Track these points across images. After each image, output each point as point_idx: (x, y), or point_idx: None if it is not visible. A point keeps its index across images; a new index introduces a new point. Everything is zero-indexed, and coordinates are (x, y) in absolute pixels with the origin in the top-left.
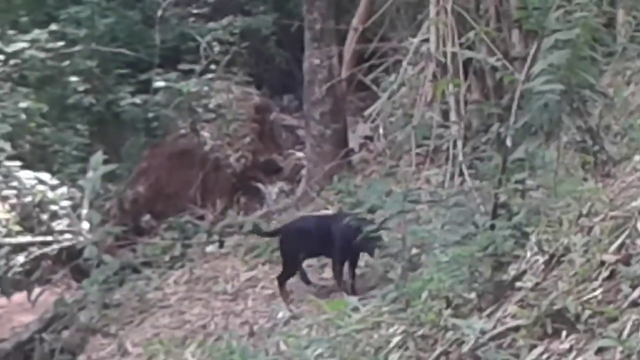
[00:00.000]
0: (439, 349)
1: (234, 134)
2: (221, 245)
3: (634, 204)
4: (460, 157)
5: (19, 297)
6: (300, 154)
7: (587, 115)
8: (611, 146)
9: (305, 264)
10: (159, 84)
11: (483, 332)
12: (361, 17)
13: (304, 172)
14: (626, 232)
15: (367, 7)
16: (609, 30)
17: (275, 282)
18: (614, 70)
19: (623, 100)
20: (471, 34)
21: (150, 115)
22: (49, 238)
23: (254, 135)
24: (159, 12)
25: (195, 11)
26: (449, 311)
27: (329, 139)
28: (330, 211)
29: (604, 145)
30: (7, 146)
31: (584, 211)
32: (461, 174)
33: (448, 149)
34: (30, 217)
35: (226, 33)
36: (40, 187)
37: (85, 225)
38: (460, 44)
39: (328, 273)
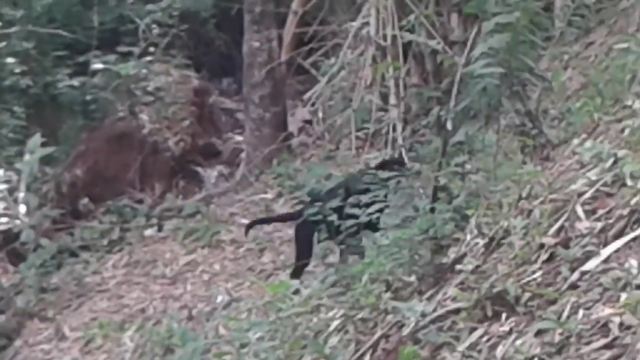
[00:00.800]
0: (379, 332)
1: (172, 117)
2: (160, 229)
3: (572, 187)
4: (400, 141)
5: None
6: (239, 138)
7: (526, 99)
8: (550, 130)
9: (244, 247)
10: (97, 66)
11: (423, 315)
12: (301, 1)
13: (243, 155)
14: (565, 215)
15: None
16: (548, 14)
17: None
18: (551, 55)
19: (561, 85)
20: (411, 18)
21: (88, 97)
22: None
23: (193, 119)
24: None
25: None
26: (389, 294)
27: (268, 123)
28: None
29: (542, 128)
30: None
31: (524, 194)
32: (401, 156)
33: (387, 132)
34: None
35: (165, 15)
36: None
37: (23, 208)
38: (400, 28)
39: (267, 257)
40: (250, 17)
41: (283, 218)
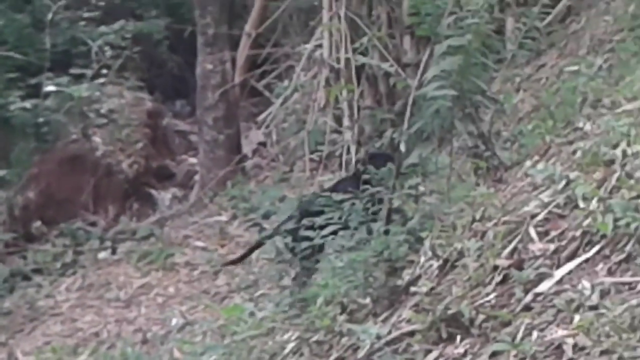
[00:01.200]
0: (334, 355)
1: (126, 140)
2: (114, 251)
3: (525, 209)
4: (354, 163)
5: None
6: (193, 160)
7: (479, 121)
8: (502, 152)
9: (199, 270)
10: (50, 88)
11: (378, 337)
12: (254, 23)
13: (197, 177)
14: (518, 237)
15: (260, 13)
16: (499, 37)
17: None
18: (503, 77)
19: (513, 107)
20: (364, 40)
21: (41, 120)
22: None
23: (146, 141)
24: (49, 16)
25: (86, 15)
26: (344, 317)
27: (222, 145)
28: None
29: (495, 150)
30: None
31: (477, 216)
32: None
33: (341, 154)
34: None
35: (118, 37)
36: None
37: None
38: (353, 50)
39: (222, 279)
40: (203, 39)
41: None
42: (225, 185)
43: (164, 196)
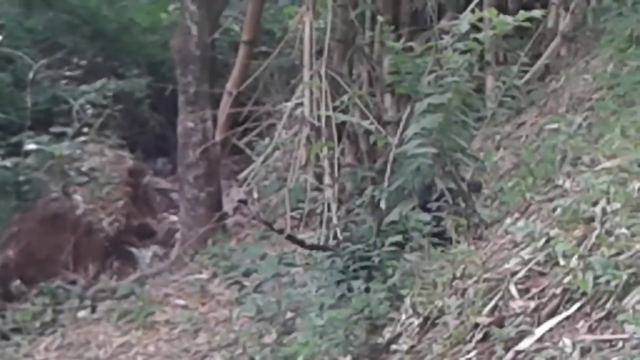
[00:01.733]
0: None
1: (107, 198)
2: (93, 310)
3: (506, 266)
4: (335, 220)
5: None
6: (174, 218)
7: (459, 179)
8: (483, 209)
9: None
10: (30, 146)
11: None
12: (235, 81)
13: (178, 235)
14: (499, 295)
15: (241, 71)
16: (479, 95)
17: None
18: (484, 135)
19: (493, 164)
20: (344, 98)
21: (22, 178)
22: None
23: (127, 199)
24: (31, 74)
25: (68, 74)
26: None
27: (203, 203)
28: None
29: (475, 208)
30: None
31: (458, 273)
32: (335, 237)
33: (322, 212)
34: None
35: (99, 96)
36: None
37: None
38: (334, 108)
39: (202, 338)
40: (184, 98)
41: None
42: (206, 243)
43: (145, 254)
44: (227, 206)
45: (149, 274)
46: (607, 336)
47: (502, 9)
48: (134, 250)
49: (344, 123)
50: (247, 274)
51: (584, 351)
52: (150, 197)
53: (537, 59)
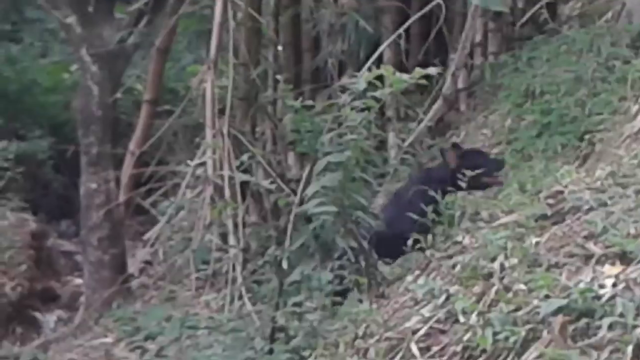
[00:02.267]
0: None
1: (9, 262)
2: None
3: (407, 324)
4: (240, 281)
5: None
6: (79, 281)
7: (360, 237)
8: (384, 267)
9: None
10: None
11: None
12: (138, 141)
13: (82, 299)
14: (400, 353)
15: (144, 131)
16: (381, 152)
17: None
18: (386, 191)
19: None
20: (245, 157)
21: None
22: None
23: (30, 263)
24: None
25: None
26: None
27: (107, 265)
28: None
29: (377, 265)
30: None
31: (360, 333)
32: (241, 297)
33: (228, 272)
34: None
35: (0, 159)
36: None
37: None
38: (238, 167)
39: None
40: (87, 159)
41: None
42: (111, 306)
43: (49, 319)
44: (132, 267)
45: (53, 339)
46: None
47: (401, 66)
48: (37, 315)
49: (248, 181)
50: (150, 337)
51: None
52: (54, 260)
53: (436, 114)
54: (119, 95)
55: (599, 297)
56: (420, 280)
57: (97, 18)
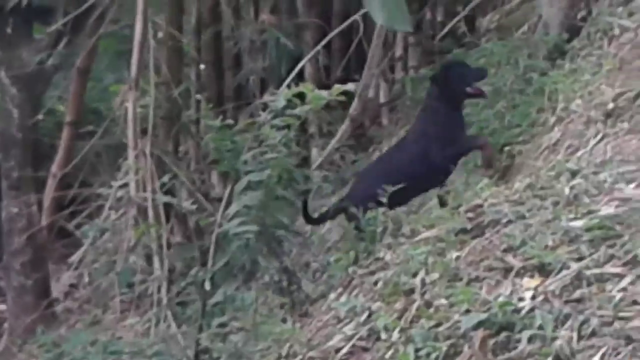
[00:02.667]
0: None
1: None
2: None
3: (329, 343)
4: (164, 302)
5: None
6: (2, 307)
7: (283, 255)
8: (309, 284)
9: None
10: None
11: None
12: (60, 163)
13: (6, 325)
14: None
15: (66, 152)
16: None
17: None
18: (311, 208)
19: (320, 237)
20: (167, 178)
21: None
22: None
23: None
24: None
25: None
26: None
27: (30, 290)
28: None
29: (300, 284)
30: None
31: (283, 353)
32: (166, 319)
33: (152, 294)
34: None
35: None
36: None
37: None
38: (161, 187)
39: None
40: (8, 183)
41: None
42: (35, 332)
43: None
44: (57, 292)
45: None
46: None
47: (322, 83)
48: None
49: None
50: None
51: None
52: None
53: (358, 129)
54: (40, 117)
55: (518, 310)
56: (343, 298)
57: (15, 39)
